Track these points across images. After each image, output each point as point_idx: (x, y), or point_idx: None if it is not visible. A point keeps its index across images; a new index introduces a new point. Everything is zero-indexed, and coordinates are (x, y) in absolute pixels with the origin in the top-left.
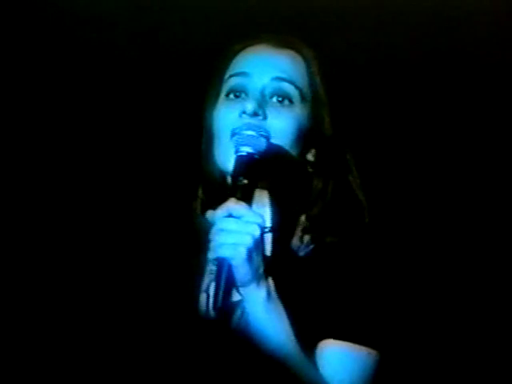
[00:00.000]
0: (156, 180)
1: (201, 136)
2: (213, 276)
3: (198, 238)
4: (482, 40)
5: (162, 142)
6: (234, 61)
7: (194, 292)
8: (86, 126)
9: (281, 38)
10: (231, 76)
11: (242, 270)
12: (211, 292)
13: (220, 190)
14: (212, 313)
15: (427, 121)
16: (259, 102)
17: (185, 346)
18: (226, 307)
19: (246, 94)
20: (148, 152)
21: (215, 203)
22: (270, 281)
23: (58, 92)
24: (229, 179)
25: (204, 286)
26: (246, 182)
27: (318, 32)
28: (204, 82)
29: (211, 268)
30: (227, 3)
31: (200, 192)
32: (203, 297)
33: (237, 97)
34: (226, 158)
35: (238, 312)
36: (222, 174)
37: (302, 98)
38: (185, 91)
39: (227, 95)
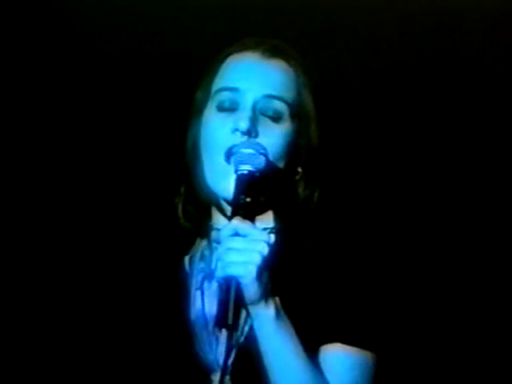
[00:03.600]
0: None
1: (185, 142)
2: (206, 274)
3: (181, 238)
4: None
5: (147, 143)
6: (222, 69)
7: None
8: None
9: (268, 44)
10: (221, 90)
11: (251, 289)
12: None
13: (208, 205)
14: (220, 330)
15: (415, 126)
16: (251, 119)
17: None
18: (236, 326)
19: (237, 109)
20: (133, 152)
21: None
22: (277, 298)
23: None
24: (221, 200)
25: (197, 284)
26: (248, 200)
27: (308, 37)
28: (189, 85)
29: (202, 266)
30: (218, 7)
31: (182, 189)
32: (198, 294)
33: (227, 110)
34: (220, 180)
35: (246, 328)
36: (214, 195)
37: (292, 114)
38: (172, 95)
39: (217, 109)
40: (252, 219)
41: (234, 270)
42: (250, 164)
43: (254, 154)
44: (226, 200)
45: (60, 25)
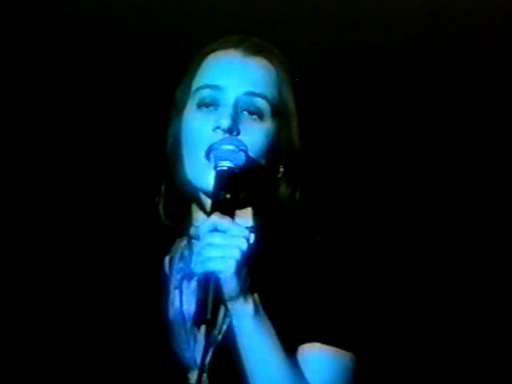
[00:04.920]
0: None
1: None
2: (185, 273)
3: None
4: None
5: (128, 142)
6: (203, 67)
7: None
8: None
9: (250, 41)
10: (202, 87)
11: (230, 284)
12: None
13: (189, 202)
14: (198, 327)
15: (403, 124)
16: (233, 116)
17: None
18: (214, 322)
19: (218, 106)
20: (112, 150)
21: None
22: (256, 295)
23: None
24: (201, 194)
25: (176, 283)
26: (228, 196)
27: (292, 35)
28: (170, 82)
29: (181, 266)
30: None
31: (163, 188)
32: (176, 293)
33: (208, 108)
34: (200, 174)
35: (224, 326)
36: (194, 189)
37: (273, 112)
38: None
39: (198, 106)
40: (231, 215)
41: (212, 265)
42: (229, 160)
43: (233, 151)
44: (206, 194)
45: (44, 18)
